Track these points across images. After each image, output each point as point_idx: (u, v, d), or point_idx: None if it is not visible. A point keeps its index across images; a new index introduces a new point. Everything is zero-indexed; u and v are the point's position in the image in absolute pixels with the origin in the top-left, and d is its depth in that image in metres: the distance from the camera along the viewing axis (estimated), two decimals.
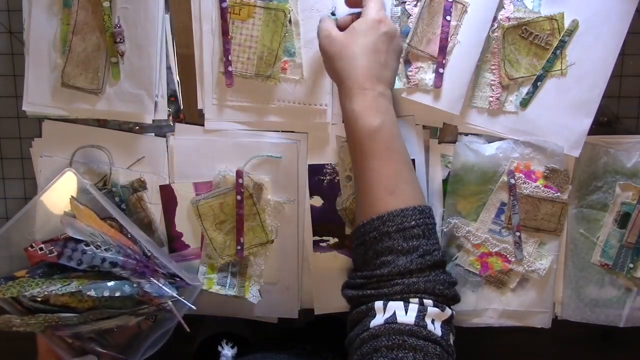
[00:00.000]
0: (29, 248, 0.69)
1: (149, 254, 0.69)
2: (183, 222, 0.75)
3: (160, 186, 0.74)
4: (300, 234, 0.75)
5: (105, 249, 0.67)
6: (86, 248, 0.67)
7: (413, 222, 0.58)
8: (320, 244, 0.75)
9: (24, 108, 0.72)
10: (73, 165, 0.73)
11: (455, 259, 0.75)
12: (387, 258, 0.58)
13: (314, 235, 0.75)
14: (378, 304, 0.57)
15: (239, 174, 0.72)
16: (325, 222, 0.75)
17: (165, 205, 0.74)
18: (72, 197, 0.70)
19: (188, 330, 0.67)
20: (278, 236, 0.75)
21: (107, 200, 0.72)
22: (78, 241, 0.68)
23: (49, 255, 0.68)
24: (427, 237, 0.59)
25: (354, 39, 0.62)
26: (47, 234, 0.71)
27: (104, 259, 0.67)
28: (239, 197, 0.73)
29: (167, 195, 0.74)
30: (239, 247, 0.74)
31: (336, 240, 0.75)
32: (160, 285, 0.67)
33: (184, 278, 0.69)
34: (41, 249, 0.68)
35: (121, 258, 0.67)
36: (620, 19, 0.69)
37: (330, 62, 0.63)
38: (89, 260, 0.67)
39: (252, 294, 0.75)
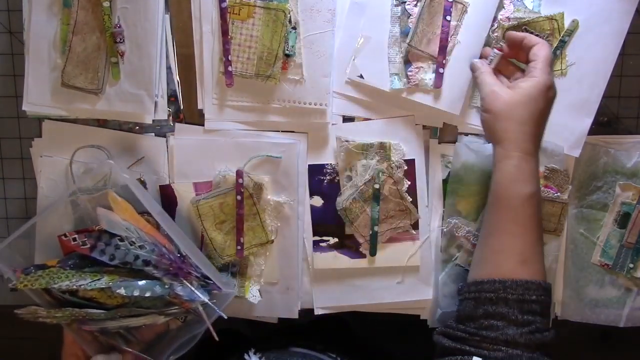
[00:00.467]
0: (63, 237, 0.68)
1: (184, 254, 0.67)
2: (183, 222, 0.75)
3: (160, 186, 0.74)
4: (300, 234, 0.75)
5: (139, 246, 0.66)
6: (120, 243, 0.66)
7: (534, 297, 0.58)
8: (320, 244, 0.75)
9: (24, 108, 0.72)
10: (73, 165, 0.73)
11: (455, 259, 0.75)
12: (497, 323, 0.58)
13: (314, 235, 0.75)
14: None
15: (239, 174, 0.72)
16: (325, 222, 0.75)
17: (165, 205, 0.74)
18: (110, 190, 0.69)
19: (217, 339, 0.66)
20: (278, 236, 0.75)
21: (146, 195, 0.70)
22: (112, 235, 0.67)
23: (82, 247, 0.67)
24: (543, 315, 0.59)
25: (524, 101, 0.61)
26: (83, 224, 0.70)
27: (137, 256, 0.65)
28: (239, 197, 0.73)
29: (167, 195, 0.74)
30: (239, 247, 0.74)
31: (336, 240, 0.75)
32: (193, 289, 0.66)
33: (218, 283, 0.68)
34: (74, 239, 0.67)
35: (155, 257, 0.66)
36: (620, 19, 0.69)
37: (492, 119, 0.62)
38: (121, 256, 0.66)
39: (252, 294, 0.75)
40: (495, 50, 0.67)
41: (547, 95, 0.61)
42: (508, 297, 0.58)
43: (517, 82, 0.63)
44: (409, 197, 0.73)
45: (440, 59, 0.69)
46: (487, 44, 0.70)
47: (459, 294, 0.64)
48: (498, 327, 0.57)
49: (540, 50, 0.63)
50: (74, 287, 0.64)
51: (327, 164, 0.74)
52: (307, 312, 0.77)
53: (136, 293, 0.64)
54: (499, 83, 0.64)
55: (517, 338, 0.56)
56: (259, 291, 0.76)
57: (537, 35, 0.70)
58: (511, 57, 0.68)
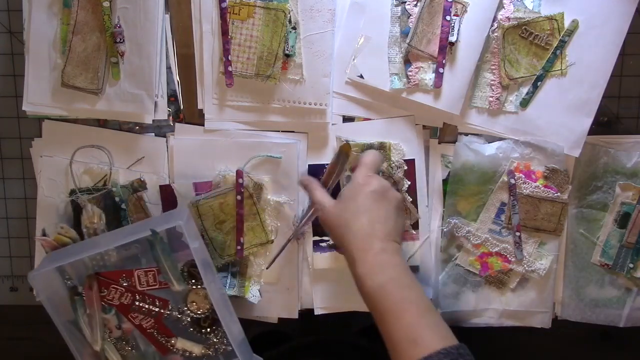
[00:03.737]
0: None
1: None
2: None
3: (160, 186, 0.74)
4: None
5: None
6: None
7: None
8: (320, 244, 0.75)
9: (24, 108, 0.72)
10: (73, 165, 0.73)
11: (455, 259, 0.75)
12: None
13: (314, 235, 0.75)
14: None
15: (239, 174, 0.72)
16: None
17: (165, 205, 0.74)
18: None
19: None
20: (278, 236, 0.75)
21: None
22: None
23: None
24: None
25: (344, 205, 0.65)
26: None
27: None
28: (239, 197, 0.73)
29: (167, 195, 0.74)
30: (239, 247, 0.74)
31: None
32: None
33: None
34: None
35: None
36: (620, 19, 0.69)
37: (331, 233, 0.67)
38: None
39: (252, 294, 0.75)
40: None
41: (364, 190, 0.64)
42: None
43: (342, 190, 0.67)
44: (409, 197, 0.73)
45: (440, 59, 0.69)
46: (487, 44, 0.70)
47: None
48: None
49: (363, 156, 0.68)
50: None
51: (327, 164, 0.74)
52: (307, 312, 0.77)
53: None
54: (327, 197, 0.67)
55: None
56: (259, 291, 0.76)
57: (537, 35, 0.70)
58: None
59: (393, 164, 0.72)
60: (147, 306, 0.69)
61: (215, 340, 0.71)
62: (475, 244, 0.74)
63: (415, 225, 0.74)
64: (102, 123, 0.74)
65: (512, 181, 0.72)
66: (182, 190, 0.74)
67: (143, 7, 0.70)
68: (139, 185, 0.74)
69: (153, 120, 0.73)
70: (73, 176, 0.73)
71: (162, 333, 0.70)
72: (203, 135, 0.73)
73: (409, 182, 0.73)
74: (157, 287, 0.68)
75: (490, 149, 0.73)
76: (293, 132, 0.73)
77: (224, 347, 0.71)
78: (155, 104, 0.72)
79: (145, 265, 0.69)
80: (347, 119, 0.73)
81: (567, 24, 0.69)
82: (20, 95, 0.73)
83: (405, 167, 0.73)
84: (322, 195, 0.68)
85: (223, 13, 0.69)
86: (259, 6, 0.69)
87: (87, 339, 0.68)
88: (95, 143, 0.74)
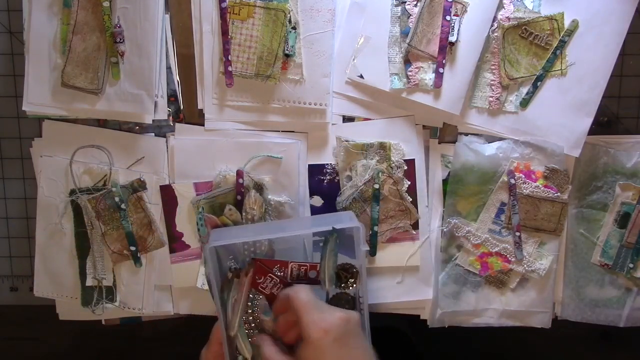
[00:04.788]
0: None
1: None
2: (183, 222, 0.75)
3: (161, 186, 0.74)
4: None
5: None
6: None
7: None
8: (320, 244, 0.75)
9: (24, 108, 0.72)
10: (73, 165, 0.73)
11: (455, 259, 0.75)
12: None
13: (313, 235, 0.75)
14: None
15: (240, 173, 0.72)
16: None
17: (165, 206, 0.74)
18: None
19: None
20: None
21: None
22: None
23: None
24: None
25: None
26: None
27: None
28: (239, 197, 0.73)
29: (168, 195, 0.74)
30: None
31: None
32: None
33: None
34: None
35: None
36: (620, 19, 0.69)
37: None
38: None
39: None
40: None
41: (328, 346, 0.54)
42: None
43: (298, 351, 0.57)
44: (408, 197, 0.73)
45: (440, 59, 0.69)
46: (487, 44, 0.70)
47: None
48: None
49: (294, 302, 0.57)
50: None
51: (327, 164, 0.74)
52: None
53: None
54: (278, 355, 0.58)
55: None
56: None
57: (537, 35, 0.70)
58: (286, 331, 0.62)
59: (393, 164, 0.72)
60: None
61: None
62: (475, 244, 0.74)
63: (415, 225, 0.74)
64: (102, 123, 0.74)
65: (512, 181, 0.72)
66: (182, 190, 0.74)
67: (143, 7, 0.70)
68: (139, 185, 0.74)
69: (153, 120, 0.73)
70: (73, 176, 0.73)
71: None
72: (203, 135, 0.73)
73: (409, 182, 0.73)
74: (305, 282, 0.67)
75: (490, 149, 0.73)
76: (293, 132, 0.73)
77: None
78: (155, 104, 0.72)
79: (295, 259, 0.67)
80: (347, 119, 0.73)
81: (567, 24, 0.69)
82: (20, 95, 0.73)
83: (405, 167, 0.73)
84: (273, 350, 0.59)
85: (223, 13, 0.69)
86: (259, 6, 0.69)
87: (227, 321, 0.65)
88: (95, 143, 0.74)
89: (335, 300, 0.68)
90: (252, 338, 0.66)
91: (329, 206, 0.74)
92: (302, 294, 0.58)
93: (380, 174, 0.72)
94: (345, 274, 0.68)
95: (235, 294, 0.66)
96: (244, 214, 0.72)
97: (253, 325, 0.67)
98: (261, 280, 0.66)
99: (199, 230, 0.73)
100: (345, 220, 0.67)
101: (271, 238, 0.68)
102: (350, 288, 0.68)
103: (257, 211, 0.71)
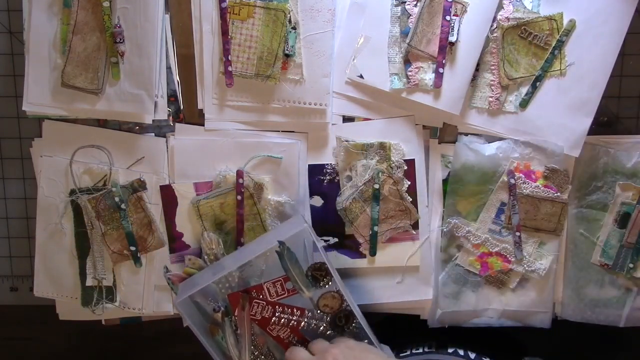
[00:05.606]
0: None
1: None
2: (183, 222, 0.75)
3: (161, 186, 0.74)
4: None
5: None
6: None
7: None
8: (322, 245, 0.75)
9: (24, 108, 0.72)
10: (73, 165, 0.73)
11: (455, 259, 0.75)
12: None
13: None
14: None
15: (240, 174, 0.72)
16: (325, 222, 0.75)
17: (165, 206, 0.74)
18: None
19: None
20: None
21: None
22: None
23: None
24: None
25: None
26: None
27: None
28: (239, 197, 0.73)
29: (168, 195, 0.74)
30: (239, 247, 0.74)
31: (336, 240, 0.75)
32: None
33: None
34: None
35: None
36: (620, 19, 0.69)
37: None
38: None
39: None
40: None
41: None
42: None
43: None
44: (408, 197, 0.73)
45: (440, 59, 0.69)
46: (487, 44, 0.70)
47: None
48: None
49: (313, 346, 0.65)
50: None
51: (327, 164, 0.74)
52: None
53: None
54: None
55: None
56: None
57: (536, 36, 0.70)
58: None
59: (393, 164, 0.72)
60: (286, 316, 0.69)
61: (355, 332, 0.70)
62: (475, 244, 0.74)
63: (415, 225, 0.74)
64: (102, 123, 0.74)
65: (512, 181, 0.72)
66: (182, 190, 0.74)
67: (143, 7, 0.70)
68: (139, 185, 0.74)
69: (153, 120, 0.73)
70: (73, 176, 0.73)
71: (300, 341, 0.70)
72: (203, 135, 0.73)
73: (409, 182, 0.73)
74: (286, 295, 0.69)
75: (490, 149, 0.73)
76: (293, 132, 0.73)
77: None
78: (155, 104, 0.72)
79: (268, 278, 0.69)
80: (347, 119, 0.73)
81: (565, 24, 0.69)
82: (20, 95, 0.73)
83: (405, 167, 0.73)
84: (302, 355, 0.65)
85: (223, 13, 0.69)
86: (259, 6, 0.69)
87: (234, 359, 0.69)
88: (95, 143, 0.74)
89: (325, 301, 0.69)
90: None
91: (329, 206, 0.74)
92: (298, 355, 0.64)
93: (380, 174, 0.72)
94: (319, 273, 0.68)
95: (232, 331, 0.68)
96: (205, 257, 0.73)
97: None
98: (249, 310, 0.68)
99: (172, 289, 0.74)
100: (297, 224, 0.68)
101: (238, 268, 0.69)
102: (327, 286, 0.69)
103: (216, 249, 0.72)
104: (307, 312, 0.70)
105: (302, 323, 0.70)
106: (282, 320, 0.69)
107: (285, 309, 0.69)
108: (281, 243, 0.66)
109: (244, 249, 0.73)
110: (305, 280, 0.68)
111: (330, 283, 0.68)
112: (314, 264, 0.69)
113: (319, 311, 0.69)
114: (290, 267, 0.67)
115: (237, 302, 0.68)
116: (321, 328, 0.70)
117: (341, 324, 0.70)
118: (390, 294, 0.76)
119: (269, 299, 0.69)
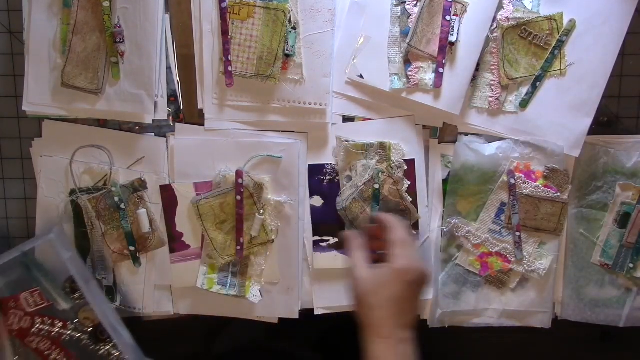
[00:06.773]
0: None
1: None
2: (183, 222, 0.75)
3: (161, 186, 0.74)
4: (300, 233, 0.75)
5: None
6: None
7: None
8: (320, 244, 0.75)
9: (24, 108, 0.72)
10: (73, 165, 0.73)
11: (455, 259, 0.75)
12: None
13: (314, 235, 0.75)
14: None
15: (239, 173, 0.72)
16: (325, 222, 0.75)
17: (165, 205, 0.74)
18: None
19: None
20: (278, 236, 0.75)
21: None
22: None
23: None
24: None
25: (376, 289, 0.60)
26: None
27: None
28: (239, 197, 0.73)
29: (168, 195, 0.74)
30: (239, 247, 0.74)
31: (336, 240, 0.75)
32: None
33: None
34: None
35: None
36: (620, 19, 0.69)
37: (354, 303, 0.62)
38: None
39: (253, 294, 0.75)
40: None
41: (403, 279, 0.60)
42: None
43: (374, 267, 0.62)
44: (408, 197, 0.73)
45: (440, 59, 0.69)
46: (487, 44, 0.70)
47: None
48: None
49: (393, 234, 0.62)
50: None
51: (327, 164, 0.74)
52: (307, 312, 0.77)
53: None
54: (363, 265, 0.62)
55: None
56: (260, 291, 0.76)
57: (536, 36, 0.70)
58: (378, 237, 0.66)
59: (393, 164, 0.72)
60: (46, 327, 0.68)
61: (113, 351, 0.70)
62: (475, 244, 0.74)
63: (415, 225, 0.74)
64: (102, 123, 0.74)
65: (512, 181, 0.72)
66: (182, 190, 0.74)
67: (143, 7, 0.70)
68: (139, 185, 0.74)
69: (153, 120, 0.73)
70: (73, 176, 0.73)
71: (61, 354, 0.69)
72: (203, 135, 0.73)
73: (409, 182, 0.73)
74: (44, 305, 0.67)
75: (490, 149, 0.73)
76: (293, 132, 0.73)
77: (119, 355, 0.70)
78: (155, 104, 0.72)
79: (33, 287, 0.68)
80: (347, 119, 0.73)
81: (565, 24, 0.69)
82: (20, 95, 0.73)
83: (405, 167, 0.73)
84: (359, 261, 0.63)
85: (223, 13, 0.69)
86: (259, 6, 0.69)
87: None
88: (95, 143, 0.74)
89: (85, 314, 0.69)
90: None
91: (329, 206, 0.74)
92: (399, 231, 0.62)
93: (380, 174, 0.72)
94: (75, 285, 0.67)
95: None
96: None
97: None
98: (8, 320, 0.66)
99: None
100: (47, 235, 0.67)
101: None
102: (83, 300, 0.68)
103: None
104: (69, 324, 0.68)
105: (64, 336, 0.68)
106: (42, 331, 0.67)
107: (46, 319, 0.67)
108: (23, 254, 0.64)
109: None
110: (60, 291, 0.66)
111: (78, 301, 0.67)
112: (69, 277, 0.67)
113: (79, 323, 0.68)
114: (41, 279, 0.65)
115: None
116: (84, 341, 0.70)
117: (103, 337, 0.69)
118: None
119: (28, 310, 0.66)
